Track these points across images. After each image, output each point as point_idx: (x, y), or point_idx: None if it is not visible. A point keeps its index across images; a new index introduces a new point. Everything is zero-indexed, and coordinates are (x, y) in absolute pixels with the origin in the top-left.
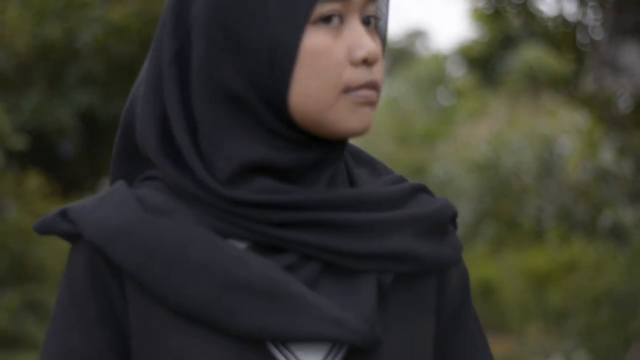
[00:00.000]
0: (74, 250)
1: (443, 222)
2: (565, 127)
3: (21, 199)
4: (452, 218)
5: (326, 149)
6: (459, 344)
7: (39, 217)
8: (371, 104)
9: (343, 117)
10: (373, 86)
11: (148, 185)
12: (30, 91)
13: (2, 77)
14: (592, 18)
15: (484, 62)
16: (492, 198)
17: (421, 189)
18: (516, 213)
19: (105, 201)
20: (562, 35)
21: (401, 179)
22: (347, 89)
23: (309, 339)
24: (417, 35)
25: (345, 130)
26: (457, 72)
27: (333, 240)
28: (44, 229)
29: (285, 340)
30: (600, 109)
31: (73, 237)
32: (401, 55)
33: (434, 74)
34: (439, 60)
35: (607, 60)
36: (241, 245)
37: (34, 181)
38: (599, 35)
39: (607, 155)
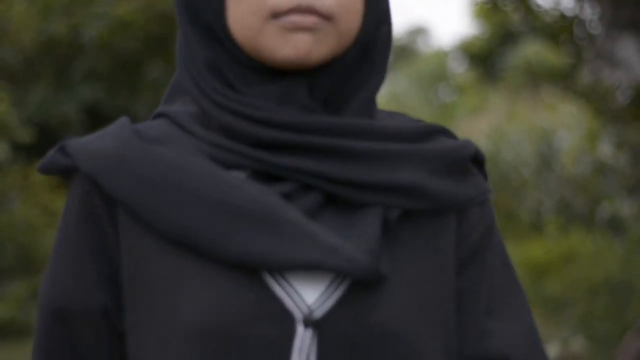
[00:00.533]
0: (72, 184)
1: (462, 162)
2: (564, 121)
3: (27, 192)
4: (478, 161)
5: (298, 78)
6: (476, 286)
7: (44, 210)
8: (307, 29)
9: (273, 44)
10: (307, 10)
11: (152, 121)
12: (36, 86)
13: (9, 72)
14: (589, 12)
15: (484, 58)
16: (492, 191)
17: (441, 131)
18: (515, 206)
19: (103, 135)
20: (559, 29)
21: (419, 121)
22: (276, 15)
23: (301, 267)
24: (418, 32)
25: (280, 58)
26: (458, 68)
27: (333, 167)
28: (46, 168)
29: (277, 268)
30: (598, 102)
31: (71, 172)
32: (402, 52)
33: (435, 71)
34: (440, 56)
35: (603, 54)
36: (242, 176)
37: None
38: (596, 29)
39: (605, 149)
